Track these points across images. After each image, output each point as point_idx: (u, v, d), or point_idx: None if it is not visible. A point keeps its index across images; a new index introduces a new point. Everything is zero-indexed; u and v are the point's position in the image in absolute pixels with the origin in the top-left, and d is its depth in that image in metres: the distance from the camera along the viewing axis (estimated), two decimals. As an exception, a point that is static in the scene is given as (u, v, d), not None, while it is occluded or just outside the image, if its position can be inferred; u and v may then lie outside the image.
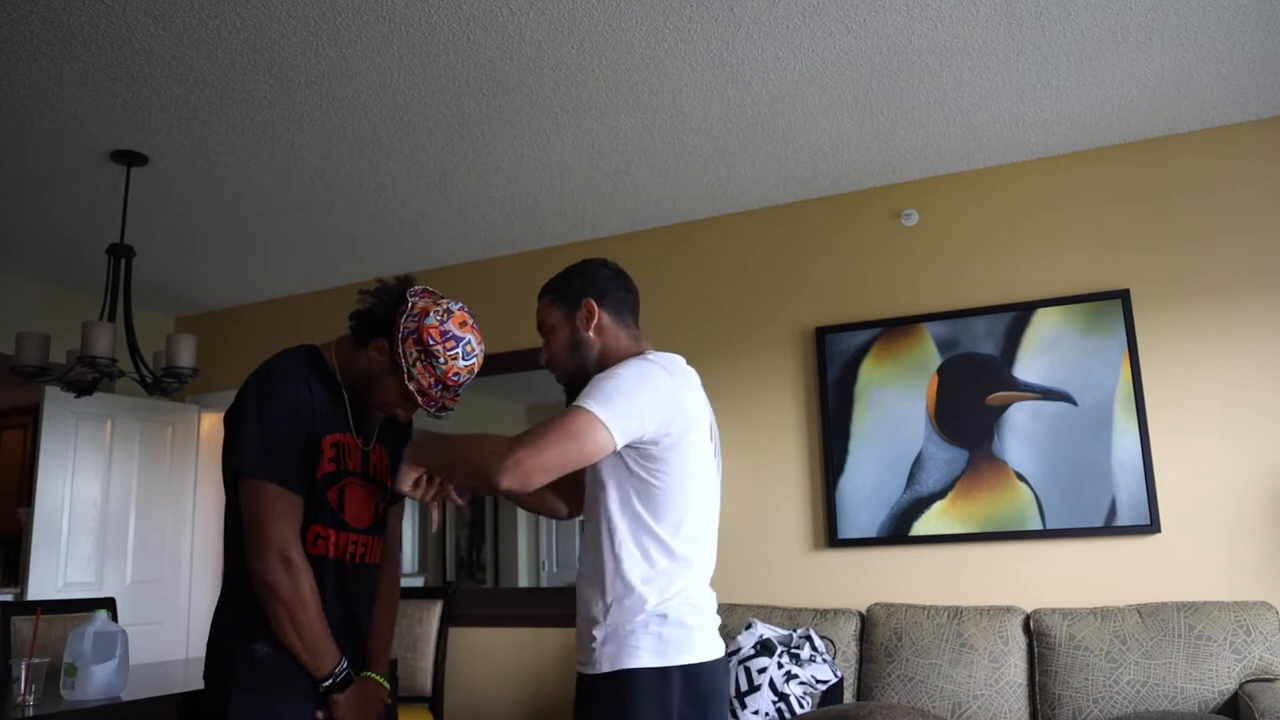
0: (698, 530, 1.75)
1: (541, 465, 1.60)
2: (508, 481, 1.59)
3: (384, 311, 1.88)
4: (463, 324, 1.88)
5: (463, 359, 1.86)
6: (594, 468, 1.75)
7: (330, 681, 1.78)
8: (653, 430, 1.68)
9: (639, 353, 1.83)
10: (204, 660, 1.89)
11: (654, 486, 1.70)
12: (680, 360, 1.85)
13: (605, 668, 1.65)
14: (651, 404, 1.69)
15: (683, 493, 1.72)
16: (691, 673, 1.67)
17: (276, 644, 1.76)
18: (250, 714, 1.76)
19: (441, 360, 1.83)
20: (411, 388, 1.83)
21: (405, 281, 1.93)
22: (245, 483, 1.78)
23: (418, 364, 1.83)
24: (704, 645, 1.71)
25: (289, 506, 1.77)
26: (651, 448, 1.69)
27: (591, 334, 1.86)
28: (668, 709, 1.62)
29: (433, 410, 1.89)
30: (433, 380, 1.84)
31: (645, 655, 1.64)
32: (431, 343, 1.82)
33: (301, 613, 1.75)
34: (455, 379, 1.85)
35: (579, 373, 1.86)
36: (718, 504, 1.85)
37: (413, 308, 1.86)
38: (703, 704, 1.68)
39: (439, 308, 1.87)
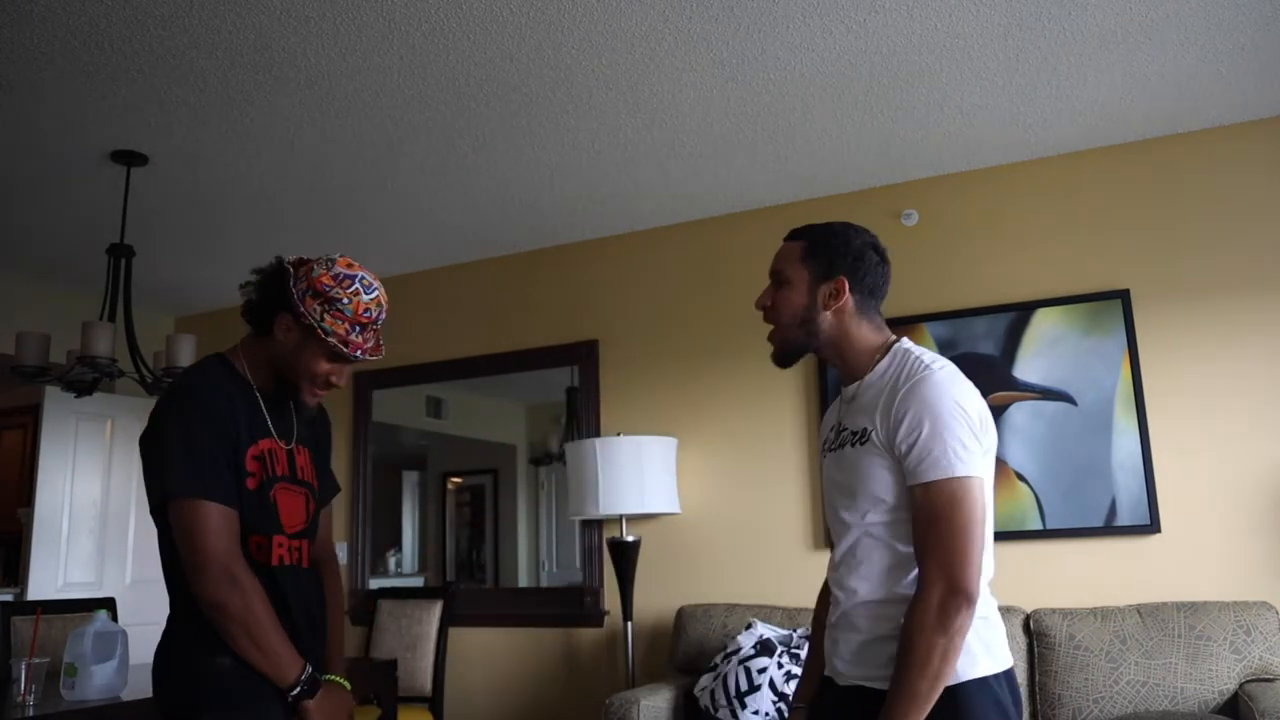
0: None
1: (977, 570, 1.47)
2: (968, 613, 1.45)
3: (273, 290, 1.84)
4: (349, 265, 1.84)
5: (365, 294, 1.82)
6: (882, 482, 1.57)
7: (298, 690, 1.75)
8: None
9: (883, 343, 1.66)
10: (155, 686, 1.83)
11: None
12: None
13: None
14: (978, 414, 1.55)
15: None
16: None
17: (236, 656, 1.73)
18: None
19: (346, 301, 1.80)
20: (332, 342, 1.80)
21: (277, 260, 1.89)
22: (176, 504, 1.72)
23: (326, 316, 1.80)
24: None
25: (225, 521, 1.72)
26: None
27: (830, 315, 1.65)
28: None
29: (360, 355, 1.84)
30: (347, 325, 1.81)
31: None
32: (329, 289, 1.80)
33: (256, 627, 1.71)
34: (367, 315, 1.83)
35: (797, 349, 1.69)
36: None
37: (296, 273, 1.83)
38: None
39: (319, 261, 1.84)
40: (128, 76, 3.05)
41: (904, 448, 1.52)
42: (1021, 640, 3.33)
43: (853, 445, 1.61)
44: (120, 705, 2.76)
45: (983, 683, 1.51)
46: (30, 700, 2.73)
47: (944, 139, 3.65)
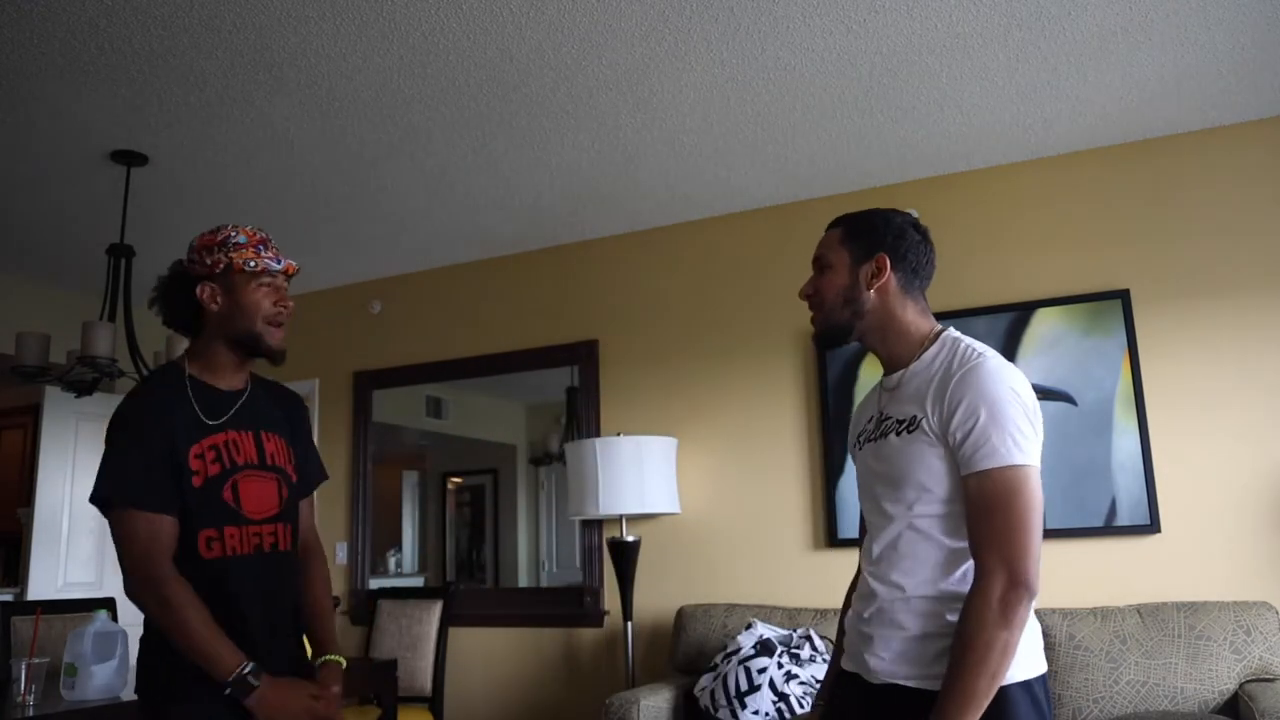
0: None
1: (1037, 562, 1.44)
2: (1029, 606, 1.43)
3: (176, 283, 1.93)
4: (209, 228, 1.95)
5: (235, 229, 1.91)
6: (931, 471, 1.54)
7: (229, 688, 1.74)
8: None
9: (930, 331, 1.64)
10: (136, 680, 1.88)
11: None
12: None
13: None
14: (1033, 402, 1.53)
15: None
16: None
17: None
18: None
19: (233, 235, 1.89)
20: (253, 265, 1.87)
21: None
22: (108, 515, 1.82)
23: (230, 254, 1.87)
24: None
25: (146, 525, 1.77)
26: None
27: (873, 294, 1.63)
28: None
29: (282, 263, 1.92)
30: (250, 249, 1.89)
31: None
32: (212, 239, 1.89)
33: (178, 626, 1.74)
34: (257, 235, 1.91)
35: (841, 329, 1.66)
36: None
37: (185, 260, 1.94)
38: None
39: (191, 242, 1.95)
40: (128, 76, 3.05)
41: (959, 435, 1.49)
42: (1021, 640, 3.33)
43: (898, 434, 1.57)
44: (120, 705, 2.77)
45: (1026, 686, 1.48)
46: (30, 700, 2.73)
47: (944, 139, 3.65)
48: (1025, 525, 1.43)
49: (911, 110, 3.41)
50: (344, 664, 2.00)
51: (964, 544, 1.51)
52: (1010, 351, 3.71)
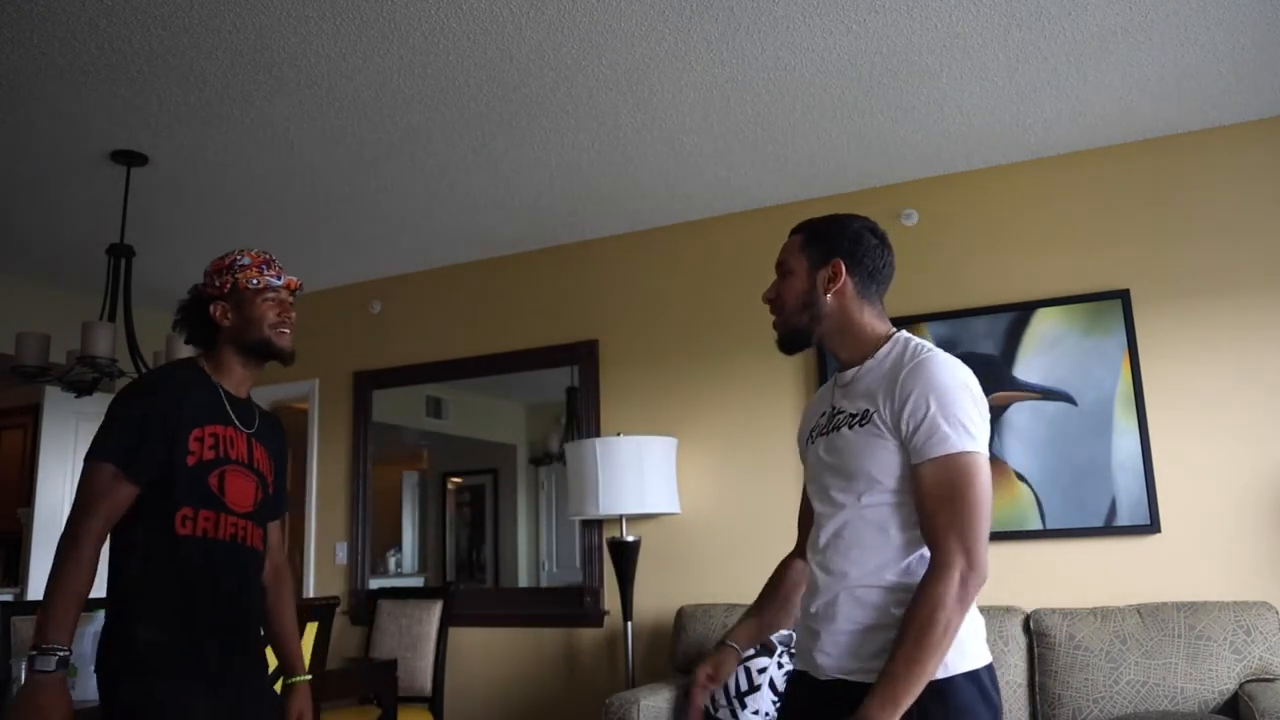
0: None
1: (985, 549, 1.48)
2: (976, 593, 1.47)
3: (194, 305, 2.08)
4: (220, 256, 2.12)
5: (241, 252, 2.08)
6: (882, 464, 1.56)
7: (35, 652, 1.80)
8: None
9: (885, 333, 1.68)
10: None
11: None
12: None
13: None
14: (980, 396, 1.58)
15: None
16: None
17: (155, 628, 1.87)
18: (140, 698, 1.87)
19: (239, 259, 2.06)
20: (255, 283, 2.04)
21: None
22: (85, 464, 1.92)
23: (237, 275, 2.04)
24: None
25: (105, 482, 1.86)
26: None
27: (830, 298, 1.67)
28: None
29: (282, 278, 2.08)
30: (255, 269, 2.06)
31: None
32: (221, 263, 2.07)
33: (58, 577, 1.81)
34: (261, 257, 2.08)
35: (800, 333, 1.70)
36: None
37: (201, 283, 2.10)
38: None
39: (205, 268, 2.13)
40: (128, 76, 3.05)
41: (910, 425, 1.52)
42: (1021, 640, 3.33)
43: (850, 428, 1.61)
44: (120, 705, 2.76)
45: (973, 676, 1.51)
46: (30, 700, 2.72)
47: (944, 139, 3.65)
48: (979, 511, 1.48)
49: (911, 110, 3.41)
50: (309, 680, 2.21)
51: (911, 535, 1.54)
52: (1010, 351, 3.71)
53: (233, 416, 2.05)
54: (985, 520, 1.48)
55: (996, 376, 3.71)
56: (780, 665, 3.26)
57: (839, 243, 1.69)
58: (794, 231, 1.77)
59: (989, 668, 1.55)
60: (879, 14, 2.81)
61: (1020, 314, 3.73)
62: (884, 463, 1.56)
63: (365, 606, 4.67)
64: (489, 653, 4.52)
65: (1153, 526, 3.44)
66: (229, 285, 2.05)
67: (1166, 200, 3.63)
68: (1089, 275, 3.69)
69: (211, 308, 2.06)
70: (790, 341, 1.73)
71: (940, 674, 1.46)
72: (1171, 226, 3.61)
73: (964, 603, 1.44)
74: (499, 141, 3.58)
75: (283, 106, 3.27)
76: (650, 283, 4.48)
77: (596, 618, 4.32)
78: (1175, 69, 3.17)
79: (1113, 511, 3.49)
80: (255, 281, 2.05)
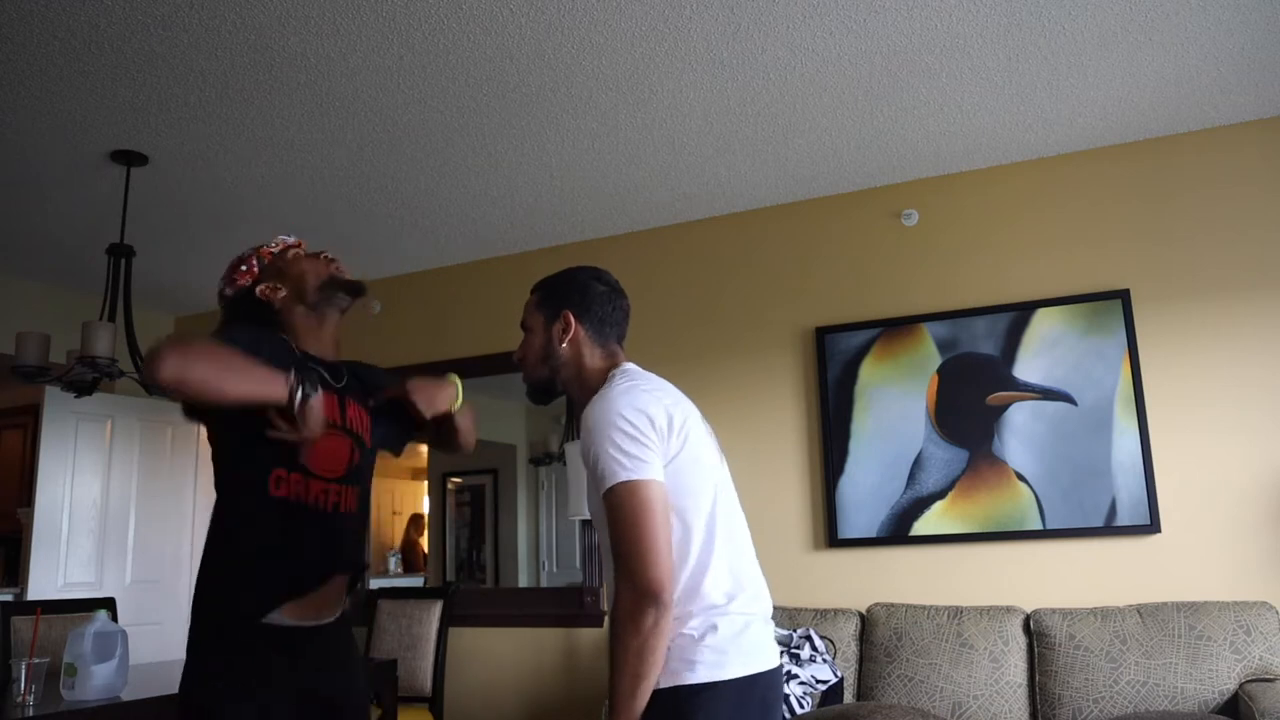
0: None
1: (659, 567, 1.54)
2: (657, 614, 1.55)
3: (237, 303, 2.02)
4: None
5: (265, 244, 2.06)
6: (594, 500, 1.69)
7: (299, 393, 1.74)
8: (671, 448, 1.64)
9: (608, 369, 1.78)
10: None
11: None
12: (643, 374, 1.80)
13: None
14: (649, 425, 1.62)
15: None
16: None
17: (247, 593, 1.79)
18: (224, 666, 1.77)
19: (247, 254, 2.02)
20: (278, 248, 2.02)
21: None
22: None
23: (258, 254, 2.01)
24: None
25: (220, 347, 1.74)
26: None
27: (565, 347, 1.81)
28: None
29: (291, 238, 2.07)
30: (266, 247, 2.03)
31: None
32: (237, 262, 2.03)
33: (230, 365, 1.70)
34: (286, 240, 2.06)
35: (544, 384, 1.85)
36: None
37: (226, 287, 2.04)
38: None
39: (220, 282, 2.07)
40: (128, 76, 3.05)
41: (588, 465, 1.63)
42: (1021, 640, 3.33)
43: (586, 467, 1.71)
44: (120, 705, 2.77)
45: (710, 687, 1.56)
46: (30, 700, 2.73)
47: (944, 139, 3.65)
48: (638, 537, 1.54)
49: (911, 110, 3.41)
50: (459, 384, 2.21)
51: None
52: (1010, 351, 3.71)
53: (320, 381, 1.92)
54: (649, 545, 1.53)
55: (996, 377, 3.71)
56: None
57: (568, 295, 1.85)
58: (532, 291, 1.92)
59: (693, 688, 1.57)
60: (879, 14, 2.81)
61: (1020, 314, 3.73)
62: (595, 499, 1.65)
63: (365, 606, 4.67)
64: (489, 653, 4.52)
65: (1153, 526, 3.44)
66: (256, 266, 2.01)
67: (1166, 200, 3.63)
68: (1089, 275, 3.69)
69: (257, 291, 2.00)
70: (536, 393, 1.87)
71: (668, 682, 1.58)
72: (1171, 226, 3.61)
73: (636, 624, 1.54)
74: (499, 141, 3.58)
75: (283, 106, 3.27)
76: (650, 283, 4.48)
77: (596, 618, 4.32)
78: (1175, 69, 3.17)
79: (1113, 511, 3.49)
80: (275, 246, 2.03)
